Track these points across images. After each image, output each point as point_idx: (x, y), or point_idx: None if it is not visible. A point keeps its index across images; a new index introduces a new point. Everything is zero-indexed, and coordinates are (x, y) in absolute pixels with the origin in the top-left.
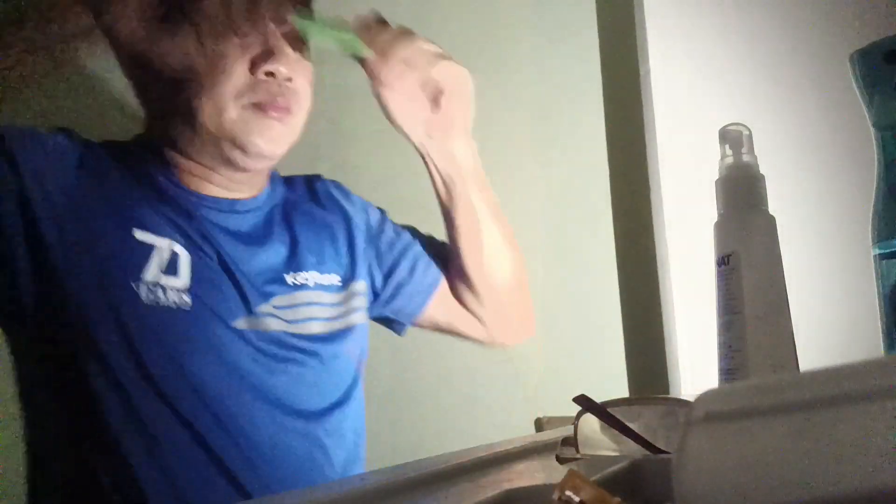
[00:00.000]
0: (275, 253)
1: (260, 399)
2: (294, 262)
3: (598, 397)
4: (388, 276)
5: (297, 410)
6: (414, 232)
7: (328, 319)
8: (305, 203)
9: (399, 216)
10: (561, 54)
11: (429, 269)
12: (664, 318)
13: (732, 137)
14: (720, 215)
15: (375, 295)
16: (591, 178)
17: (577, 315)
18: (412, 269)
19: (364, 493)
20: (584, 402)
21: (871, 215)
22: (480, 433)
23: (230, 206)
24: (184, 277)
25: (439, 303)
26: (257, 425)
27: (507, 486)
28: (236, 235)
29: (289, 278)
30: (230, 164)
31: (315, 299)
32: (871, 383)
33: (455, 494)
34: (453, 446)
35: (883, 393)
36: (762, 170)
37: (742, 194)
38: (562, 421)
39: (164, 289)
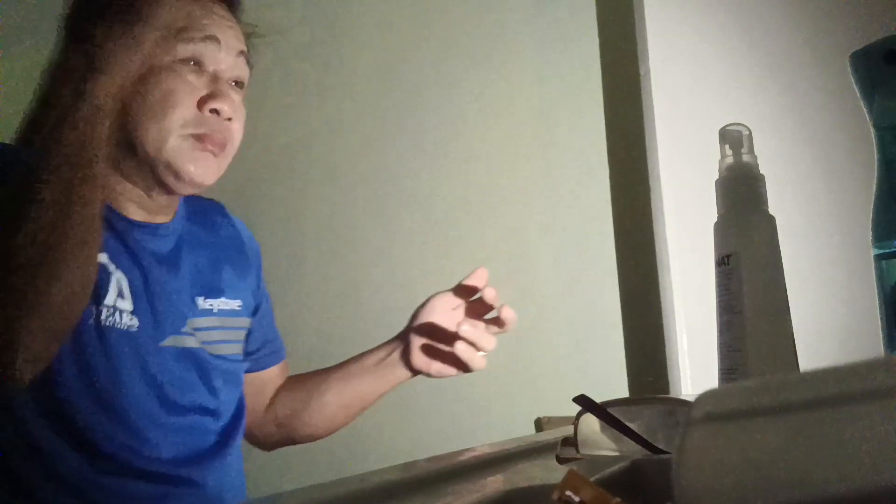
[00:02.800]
0: (186, 276)
1: (175, 413)
2: (200, 286)
3: (598, 397)
4: (254, 313)
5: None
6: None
7: (237, 342)
8: (206, 229)
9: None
10: (561, 54)
11: (274, 355)
12: (664, 318)
13: (732, 137)
14: (720, 215)
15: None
16: (591, 178)
17: (577, 315)
18: (271, 321)
19: (364, 493)
20: (584, 402)
21: (871, 215)
22: (480, 433)
23: (154, 230)
24: (128, 301)
25: (258, 381)
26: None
27: (507, 486)
28: (158, 259)
29: (199, 301)
30: (161, 186)
31: (224, 324)
32: (871, 383)
33: (455, 494)
34: (453, 446)
35: (883, 393)
36: (762, 170)
37: (742, 194)
38: (562, 421)
39: (119, 313)
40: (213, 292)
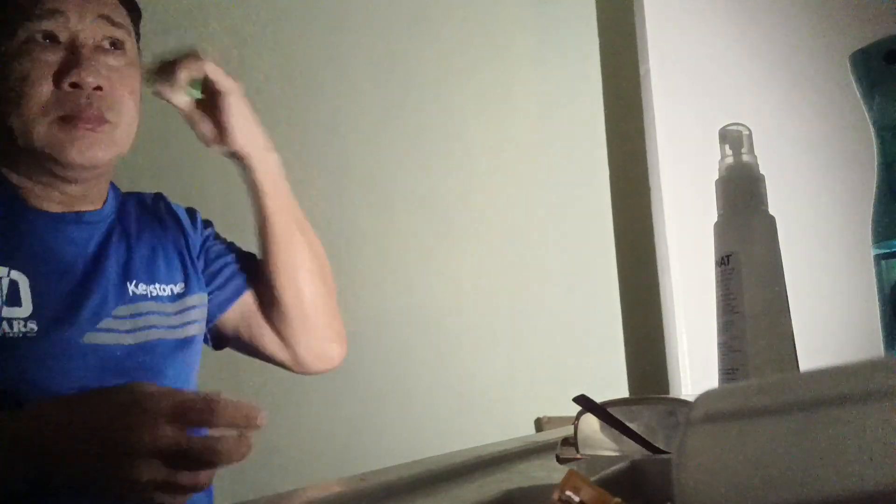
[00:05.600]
0: (115, 264)
1: None
2: (131, 273)
3: (598, 397)
4: (208, 286)
5: None
6: (233, 246)
7: (167, 328)
8: (142, 217)
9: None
10: (561, 54)
11: (234, 279)
12: (664, 318)
13: (732, 137)
14: (720, 215)
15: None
16: (591, 178)
17: (577, 315)
18: (226, 279)
19: (364, 493)
20: (584, 402)
21: (871, 215)
22: (480, 433)
23: (76, 218)
24: (26, 305)
25: (242, 316)
26: None
27: (507, 486)
28: (81, 248)
29: (130, 288)
30: (56, 176)
31: (153, 309)
32: (871, 383)
33: (455, 494)
34: (453, 446)
35: (883, 393)
36: (762, 170)
37: (742, 194)
38: (562, 421)
39: (9, 322)
40: (148, 278)
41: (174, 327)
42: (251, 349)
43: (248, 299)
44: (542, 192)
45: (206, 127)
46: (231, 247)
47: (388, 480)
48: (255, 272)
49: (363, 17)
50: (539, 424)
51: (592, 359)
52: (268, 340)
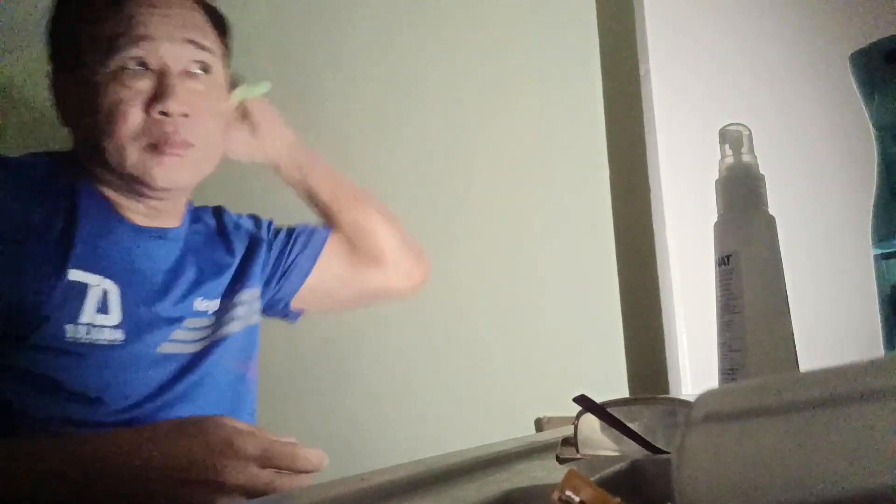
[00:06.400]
0: (187, 280)
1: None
2: (199, 288)
3: (598, 397)
4: (283, 271)
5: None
6: (294, 227)
7: (223, 331)
8: (209, 232)
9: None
10: (561, 54)
11: (315, 233)
12: (664, 318)
13: (732, 137)
14: (720, 215)
15: (268, 295)
16: (591, 178)
17: (577, 315)
18: (302, 248)
19: (364, 493)
20: (584, 402)
21: (871, 215)
22: (480, 433)
23: (160, 233)
24: (115, 314)
25: (334, 258)
26: None
27: (507, 486)
28: (161, 263)
29: (196, 302)
30: (143, 195)
31: (214, 321)
32: (871, 383)
33: (455, 494)
34: (453, 446)
35: (883, 393)
36: (762, 170)
37: (742, 194)
38: (562, 421)
39: (99, 329)
40: (212, 292)
41: (226, 327)
42: (352, 293)
43: (336, 244)
44: (542, 192)
45: (241, 135)
46: (294, 228)
47: (388, 480)
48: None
49: (362, 17)
50: (539, 424)
51: (592, 359)
52: (368, 273)
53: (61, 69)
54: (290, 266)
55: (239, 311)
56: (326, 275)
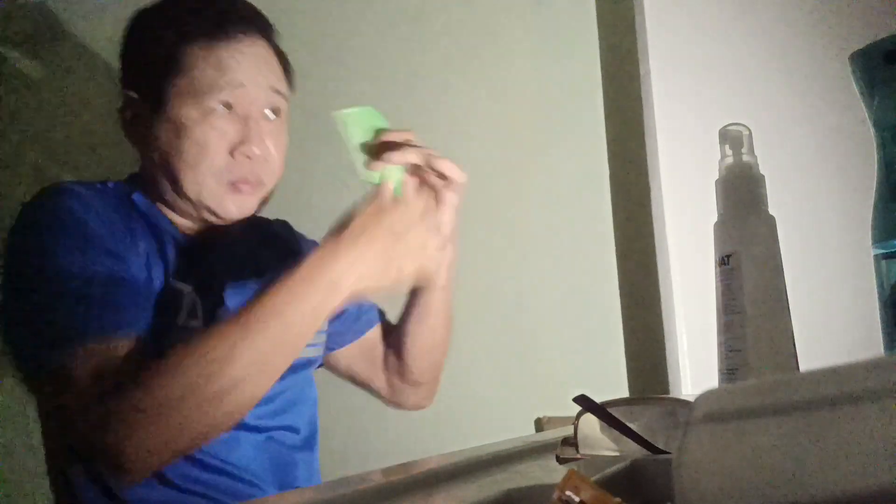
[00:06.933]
0: (248, 290)
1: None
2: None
3: (598, 397)
4: (338, 318)
5: (288, 426)
6: None
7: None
8: (273, 246)
9: None
10: (561, 54)
11: (370, 312)
12: (664, 318)
13: (732, 137)
14: (720, 215)
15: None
16: (591, 178)
17: (577, 315)
18: (353, 320)
19: (364, 493)
20: (584, 402)
21: (871, 215)
22: (480, 433)
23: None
24: (200, 319)
25: (361, 351)
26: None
27: (507, 486)
28: (224, 274)
29: None
30: (205, 221)
31: None
32: (871, 383)
33: (455, 494)
34: (453, 446)
35: (883, 393)
36: (762, 170)
37: (742, 194)
38: (562, 421)
39: (188, 331)
40: None
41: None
42: (354, 377)
43: (374, 334)
44: (542, 192)
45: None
46: None
47: (388, 480)
48: (388, 325)
49: (362, 17)
50: (539, 424)
51: (592, 359)
52: (379, 378)
53: (140, 100)
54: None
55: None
56: (349, 351)
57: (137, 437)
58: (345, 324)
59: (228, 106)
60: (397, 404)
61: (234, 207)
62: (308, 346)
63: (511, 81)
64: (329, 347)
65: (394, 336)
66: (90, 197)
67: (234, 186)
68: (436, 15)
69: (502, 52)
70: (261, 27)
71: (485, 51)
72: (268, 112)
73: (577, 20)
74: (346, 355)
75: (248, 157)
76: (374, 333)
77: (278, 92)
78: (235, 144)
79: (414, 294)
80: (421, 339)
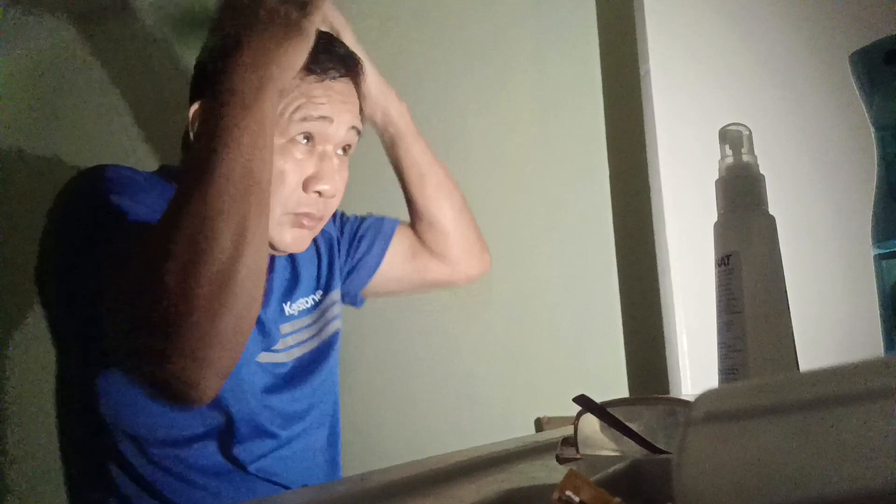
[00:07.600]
0: (281, 285)
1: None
2: (288, 293)
3: (598, 397)
4: (350, 266)
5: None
6: (361, 219)
7: (311, 339)
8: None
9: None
10: (561, 54)
11: (383, 225)
12: (664, 318)
13: (732, 137)
14: (720, 215)
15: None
16: (591, 178)
17: (577, 315)
18: (369, 245)
19: (364, 493)
20: (584, 402)
21: (871, 215)
22: (480, 433)
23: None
24: None
25: (400, 249)
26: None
27: (507, 486)
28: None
29: (286, 308)
30: None
31: (301, 325)
32: (871, 383)
33: (455, 494)
34: (453, 446)
35: (883, 393)
36: (762, 170)
37: (742, 194)
38: (562, 421)
39: None
40: (298, 294)
41: (317, 335)
42: (410, 281)
43: (403, 236)
44: (542, 192)
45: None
46: (366, 221)
47: (388, 480)
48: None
49: (362, 17)
50: (539, 424)
51: (592, 359)
52: (433, 265)
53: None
54: (357, 262)
55: (335, 309)
56: (391, 267)
57: (222, 320)
58: (358, 256)
59: (310, 138)
60: (467, 278)
61: (291, 240)
62: (330, 320)
63: (511, 81)
64: (352, 294)
65: (413, 215)
66: (139, 173)
67: (297, 220)
68: (436, 15)
69: (502, 51)
70: (350, 66)
71: (484, 50)
72: (341, 151)
73: (577, 20)
74: (389, 272)
75: (319, 193)
76: (403, 232)
77: (358, 132)
78: (309, 178)
79: (393, 156)
80: (430, 190)
